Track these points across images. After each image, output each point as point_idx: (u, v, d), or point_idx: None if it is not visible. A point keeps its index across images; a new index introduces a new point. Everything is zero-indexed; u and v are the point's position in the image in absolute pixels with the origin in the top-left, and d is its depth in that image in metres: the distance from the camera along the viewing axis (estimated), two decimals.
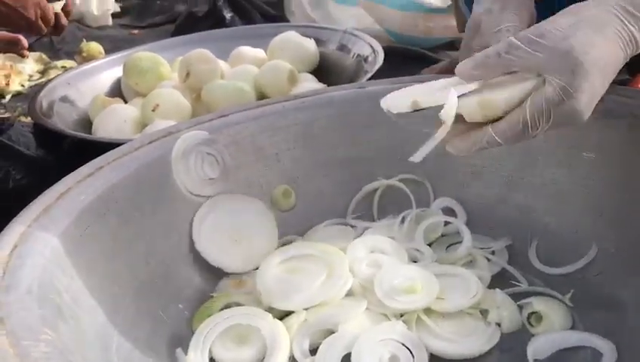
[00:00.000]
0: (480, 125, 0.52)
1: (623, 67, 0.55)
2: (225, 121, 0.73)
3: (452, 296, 0.58)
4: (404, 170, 0.75)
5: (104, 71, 1.14)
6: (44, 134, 0.84)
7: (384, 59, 1.04)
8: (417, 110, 0.53)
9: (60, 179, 0.60)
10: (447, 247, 0.70)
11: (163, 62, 1.06)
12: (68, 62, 1.83)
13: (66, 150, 0.84)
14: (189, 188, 0.67)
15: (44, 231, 0.51)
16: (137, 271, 0.59)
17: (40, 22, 1.13)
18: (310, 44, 1.08)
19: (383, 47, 1.12)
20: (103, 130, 0.94)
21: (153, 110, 0.92)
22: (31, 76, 1.71)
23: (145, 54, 1.05)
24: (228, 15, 1.46)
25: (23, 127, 0.84)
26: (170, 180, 0.66)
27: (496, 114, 0.51)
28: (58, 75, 1.65)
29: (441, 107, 0.51)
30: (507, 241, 0.68)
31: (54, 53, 1.94)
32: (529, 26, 0.60)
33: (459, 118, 0.52)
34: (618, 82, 0.59)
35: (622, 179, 0.61)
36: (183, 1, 2.42)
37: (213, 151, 0.70)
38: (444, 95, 0.51)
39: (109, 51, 1.97)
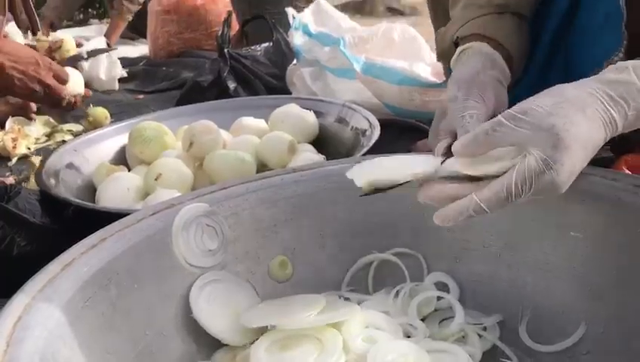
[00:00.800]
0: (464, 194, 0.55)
1: (607, 145, 0.59)
2: (225, 193, 0.75)
3: None
4: (399, 244, 0.77)
5: (110, 138, 1.18)
6: (50, 202, 0.87)
7: (381, 131, 1.08)
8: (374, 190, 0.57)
9: (63, 247, 0.62)
10: (440, 322, 0.71)
11: (167, 131, 1.10)
12: (75, 126, 1.87)
13: (71, 218, 0.87)
14: (188, 260, 0.69)
15: (48, 302, 0.53)
16: (135, 341, 0.60)
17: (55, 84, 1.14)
18: (310, 116, 1.12)
19: (381, 120, 1.16)
20: (106, 198, 0.96)
21: (156, 179, 0.95)
22: (37, 139, 1.74)
23: (150, 124, 1.09)
24: (232, 85, 1.52)
25: (30, 194, 0.87)
26: (170, 251, 0.68)
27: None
28: (64, 140, 1.71)
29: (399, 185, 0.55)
30: (499, 317, 0.69)
31: (61, 117, 1.99)
32: (495, 111, 0.64)
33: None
34: (603, 161, 0.63)
35: (609, 259, 0.63)
36: (188, 68, 2.50)
37: (213, 223, 0.73)
38: (405, 172, 0.55)
39: (114, 115, 2.02)
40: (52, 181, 0.96)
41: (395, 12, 5.76)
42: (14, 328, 0.48)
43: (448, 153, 0.61)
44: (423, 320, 0.70)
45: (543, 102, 0.54)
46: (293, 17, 1.63)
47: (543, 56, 0.81)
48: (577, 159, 0.53)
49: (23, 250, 0.78)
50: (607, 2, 0.72)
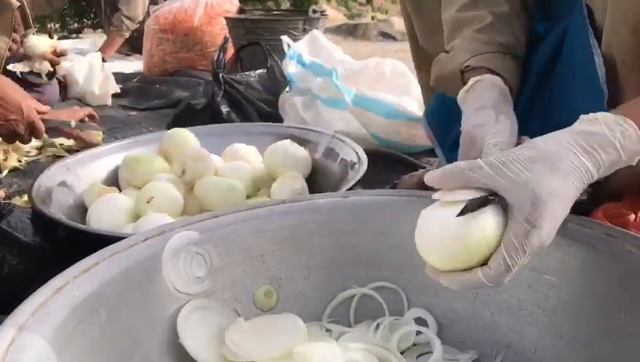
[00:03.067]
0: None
1: (585, 192, 0.61)
2: (216, 221, 0.78)
3: None
4: (382, 278, 0.80)
5: (103, 158, 1.20)
6: (41, 221, 0.89)
7: (368, 161, 1.11)
8: None
9: (54, 266, 0.64)
10: (418, 357, 0.73)
11: (160, 161, 1.12)
12: (66, 141, 1.88)
13: (61, 238, 0.88)
14: (177, 286, 0.71)
15: (40, 324, 0.55)
16: None
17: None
18: (303, 153, 1.15)
19: (368, 150, 1.19)
20: (97, 218, 0.98)
21: (148, 202, 0.97)
22: (28, 152, 1.76)
23: (140, 157, 1.11)
24: (225, 110, 1.55)
25: (22, 212, 0.88)
26: (159, 278, 0.70)
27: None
28: (56, 155, 1.73)
29: None
30: (474, 355, 0.72)
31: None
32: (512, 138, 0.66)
33: None
34: (582, 210, 0.65)
35: (580, 305, 0.66)
36: (181, 87, 2.53)
37: (202, 251, 0.75)
38: None
39: (107, 132, 2.04)
40: (44, 199, 0.97)
41: (387, 37, 5.82)
42: (7, 351, 0.50)
43: None
44: (402, 354, 0.72)
45: (521, 156, 0.57)
46: (288, 45, 1.67)
47: (524, 104, 0.84)
48: (556, 212, 0.56)
49: (14, 269, 0.80)
50: (585, 72, 0.75)
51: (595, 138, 0.57)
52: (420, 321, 0.77)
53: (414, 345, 0.75)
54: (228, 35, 2.12)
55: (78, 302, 0.60)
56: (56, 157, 1.76)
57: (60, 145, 1.86)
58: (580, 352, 0.65)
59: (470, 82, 0.74)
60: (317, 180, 1.14)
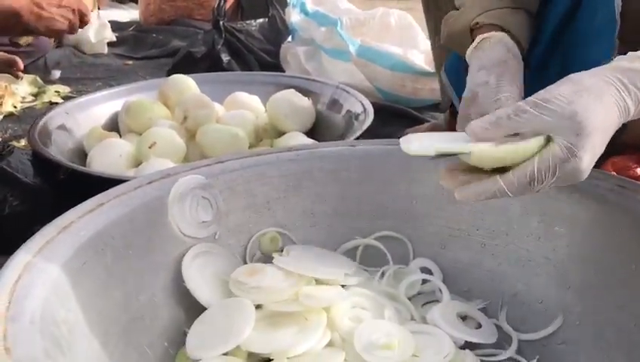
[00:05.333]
0: (489, 175, 0.56)
1: None
2: (221, 167, 0.76)
3: (426, 354, 0.61)
4: (387, 227, 0.79)
5: (101, 104, 1.17)
6: (42, 163, 0.87)
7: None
8: (439, 155, 0.57)
9: (54, 207, 0.63)
10: (423, 304, 0.73)
11: (161, 108, 1.10)
12: (61, 87, 1.85)
13: (63, 180, 0.87)
14: (182, 230, 0.70)
15: (47, 262, 0.54)
16: (128, 306, 0.61)
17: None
18: (307, 103, 1.13)
19: (372, 103, 1.18)
20: (98, 162, 0.96)
21: (150, 147, 0.95)
22: (24, 98, 1.73)
23: (141, 102, 1.09)
24: (225, 58, 1.51)
25: (23, 154, 0.87)
26: (165, 221, 0.69)
27: (505, 163, 0.55)
28: (51, 102, 1.70)
29: (459, 154, 0.56)
30: (480, 304, 0.72)
31: (47, 75, 1.97)
32: (520, 96, 0.65)
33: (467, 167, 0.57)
34: None
35: (589, 256, 0.66)
36: (178, 37, 2.48)
37: (208, 195, 0.74)
38: (462, 144, 0.55)
39: (102, 80, 2.01)
40: (44, 142, 0.95)
41: None
42: (15, 286, 0.49)
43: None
44: None
45: (563, 91, 0.55)
46: None
47: (541, 56, 0.82)
48: (597, 145, 0.55)
49: (15, 209, 0.78)
50: (604, 10, 0.73)
51: (637, 75, 0.56)
52: (425, 271, 0.77)
53: (419, 293, 0.75)
54: None
55: (84, 241, 0.59)
56: (52, 104, 1.74)
57: (56, 92, 1.83)
58: (587, 302, 0.65)
59: (477, 39, 0.73)
60: (321, 132, 1.12)
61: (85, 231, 0.60)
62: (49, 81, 1.90)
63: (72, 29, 1.16)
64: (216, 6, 1.58)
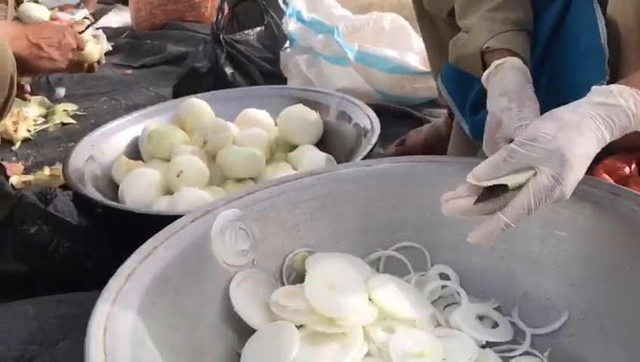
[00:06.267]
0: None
1: None
2: (253, 197, 0.85)
3: (453, 357, 0.70)
4: (405, 238, 0.88)
5: (123, 130, 1.25)
6: (83, 203, 0.95)
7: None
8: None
9: (99, 245, 0.70)
10: (445, 307, 0.82)
11: (180, 131, 1.18)
12: (69, 106, 1.91)
13: (104, 217, 0.95)
14: (226, 260, 0.79)
15: (123, 310, 0.62)
16: (190, 338, 0.70)
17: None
18: (315, 117, 1.20)
19: (374, 106, 1.25)
20: (130, 194, 1.04)
21: (178, 176, 1.03)
22: (35, 121, 1.78)
23: (162, 130, 1.16)
24: (229, 72, 1.58)
25: (65, 195, 0.94)
26: (210, 254, 0.77)
27: None
28: (63, 123, 1.76)
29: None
30: (495, 303, 0.81)
31: (52, 94, 2.02)
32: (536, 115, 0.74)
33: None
34: None
35: (589, 257, 0.75)
36: (172, 41, 2.52)
37: (244, 225, 0.82)
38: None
39: (107, 93, 2.06)
40: (80, 179, 1.03)
41: None
42: (105, 338, 0.57)
43: None
44: None
45: (546, 128, 0.64)
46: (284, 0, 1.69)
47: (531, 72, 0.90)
48: (579, 172, 0.65)
49: (67, 251, 0.86)
50: (588, 35, 0.81)
51: (612, 109, 0.65)
52: (443, 276, 0.85)
53: (439, 298, 0.84)
54: None
55: (147, 285, 0.67)
56: (64, 125, 1.80)
57: (64, 110, 1.89)
58: (589, 298, 0.74)
59: (493, 65, 0.81)
60: (332, 143, 1.20)
61: (147, 274, 0.69)
62: (55, 100, 1.95)
63: (71, 68, 1.22)
64: (214, 20, 1.63)
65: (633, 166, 0.90)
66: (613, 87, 0.67)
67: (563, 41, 0.86)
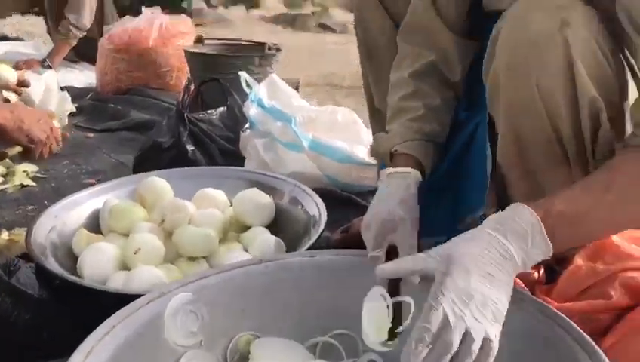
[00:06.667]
0: None
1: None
2: (206, 282, 0.93)
3: None
4: (341, 326, 0.97)
5: (85, 203, 1.31)
6: (44, 276, 1.01)
7: (322, 200, 1.28)
8: None
9: (59, 317, 0.77)
10: None
11: (139, 208, 1.26)
12: (29, 167, 1.95)
13: (62, 289, 1.01)
14: (175, 341, 0.86)
15: None
16: None
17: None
18: (268, 200, 1.31)
19: (322, 190, 1.37)
20: (88, 267, 1.10)
21: (135, 253, 1.11)
22: None
23: (123, 206, 1.25)
24: (190, 149, 1.67)
25: (28, 268, 1.00)
26: (162, 335, 0.85)
27: None
28: (23, 184, 1.80)
29: None
30: None
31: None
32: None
33: None
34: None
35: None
36: (136, 107, 2.61)
37: (195, 308, 0.90)
38: None
39: (68, 157, 2.10)
40: (42, 250, 1.09)
41: (326, 29, 5.81)
42: None
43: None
44: None
45: (446, 243, 0.77)
46: (247, 82, 1.81)
47: (438, 181, 1.08)
48: (467, 264, 0.72)
49: (28, 322, 0.92)
50: (478, 170, 0.98)
51: (500, 235, 0.75)
52: None
53: None
54: (189, 75, 2.26)
55: None
56: (23, 186, 1.84)
57: (24, 171, 1.93)
58: None
59: (390, 170, 0.98)
60: (283, 226, 1.29)
61: (105, 353, 0.76)
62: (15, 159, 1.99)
63: (48, 141, 1.31)
64: (180, 99, 1.74)
65: (542, 271, 1.03)
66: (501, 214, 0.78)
67: (465, 165, 1.04)
